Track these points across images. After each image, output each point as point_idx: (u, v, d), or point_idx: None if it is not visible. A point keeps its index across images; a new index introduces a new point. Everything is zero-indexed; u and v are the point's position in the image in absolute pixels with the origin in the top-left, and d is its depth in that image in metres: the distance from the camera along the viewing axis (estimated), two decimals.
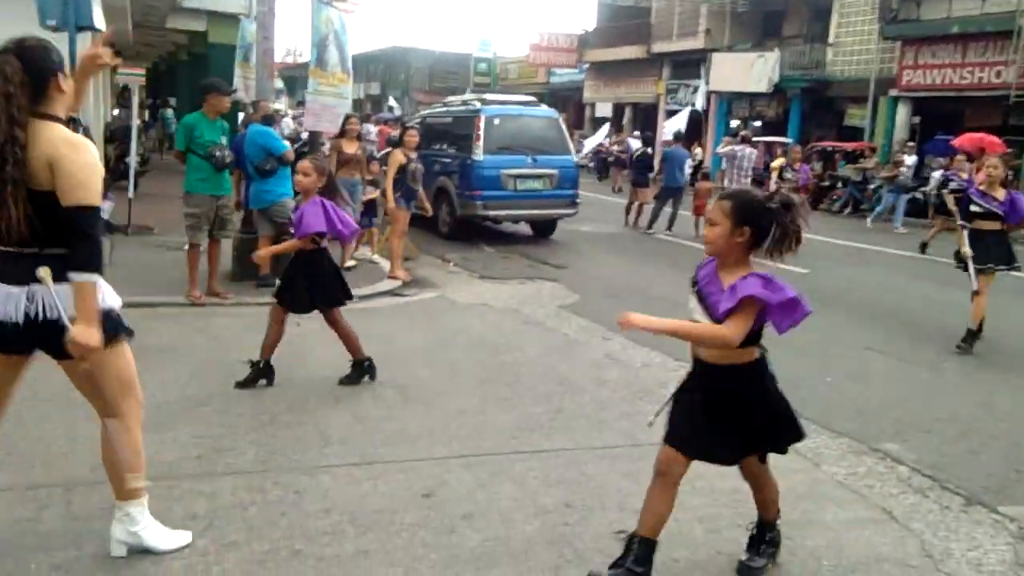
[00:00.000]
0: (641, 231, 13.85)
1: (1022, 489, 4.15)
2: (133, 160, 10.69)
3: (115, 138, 13.95)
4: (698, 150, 23.16)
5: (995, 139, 16.72)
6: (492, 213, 11.55)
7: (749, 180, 12.82)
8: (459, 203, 11.57)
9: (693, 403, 3.01)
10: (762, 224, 2.84)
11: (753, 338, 2.90)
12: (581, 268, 10.19)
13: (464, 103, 12.99)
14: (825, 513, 3.75)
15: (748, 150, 12.59)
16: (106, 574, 2.91)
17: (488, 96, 13.47)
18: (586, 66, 34.79)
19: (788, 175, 12.45)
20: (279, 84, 11.77)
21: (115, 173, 13.91)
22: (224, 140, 7.05)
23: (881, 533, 3.59)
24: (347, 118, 9.41)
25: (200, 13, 19.52)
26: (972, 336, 6.88)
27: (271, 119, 8.45)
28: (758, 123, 24.00)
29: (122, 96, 19.65)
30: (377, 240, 9.77)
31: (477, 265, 9.95)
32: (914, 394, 5.69)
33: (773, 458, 4.34)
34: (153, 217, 10.60)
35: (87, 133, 8.77)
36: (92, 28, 8.10)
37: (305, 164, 5.06)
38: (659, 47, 29.72)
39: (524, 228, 12.88)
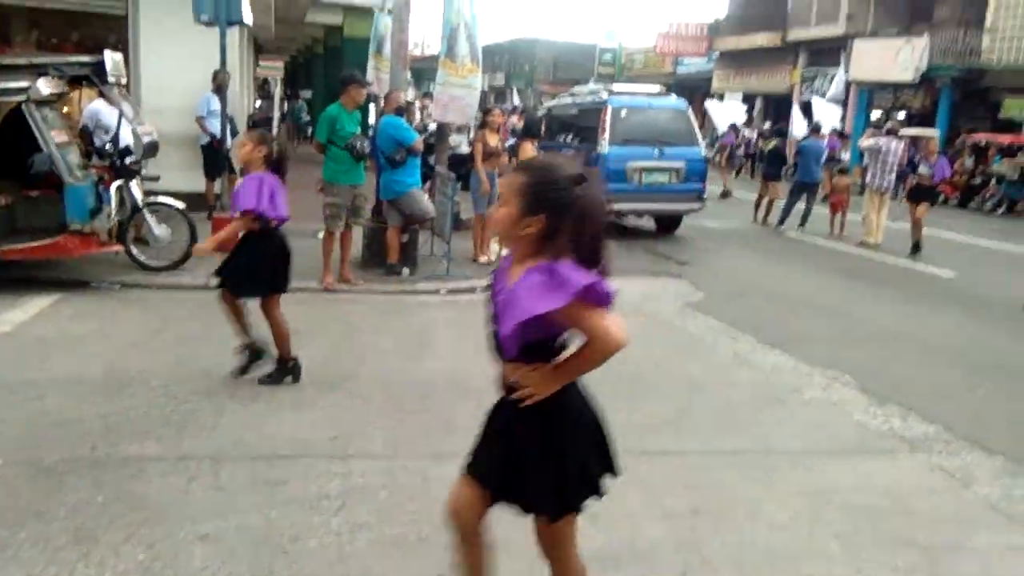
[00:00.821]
0: (771, 228, 13.32)
1: None
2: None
3: (256, 128, 14.72)
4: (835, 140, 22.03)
5: None
6: (617, 207, 11.40)
7: (894, 176, 12.02)
8: None
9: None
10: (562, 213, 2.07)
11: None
12: (707, 265, 9.91)
13: (591, 93, 12.86)
14: (976, 538, 3.47)
15: (894, 143, 11.77)
16: (249, 547, 3.06)
17: (616, 86, 13.27)
18: (715, 55, 33.78)
19: (922, 169, 11.41)
20: (408, 76, 12.10)
21: None
22: (359, 131, 7.27)
23: None
24: (489, 110, 9.50)
25: (336, 7, 20.28)
26: None
27: (403, 110, 8.66)
28: (902, 115, 22.58)
29: (262, 88, 20.70)
30: None
31: None
32: None
33: (913, 475, 4.08)
34: (290, 205, 11.08)
35: (232, 124, 9.28)
36: (241, 23, 8.58)
37: (243, 135, 4.72)
38: (795, 34, 28.44)
39: (647, 222, 12.65)
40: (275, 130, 11.38)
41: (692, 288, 8.44)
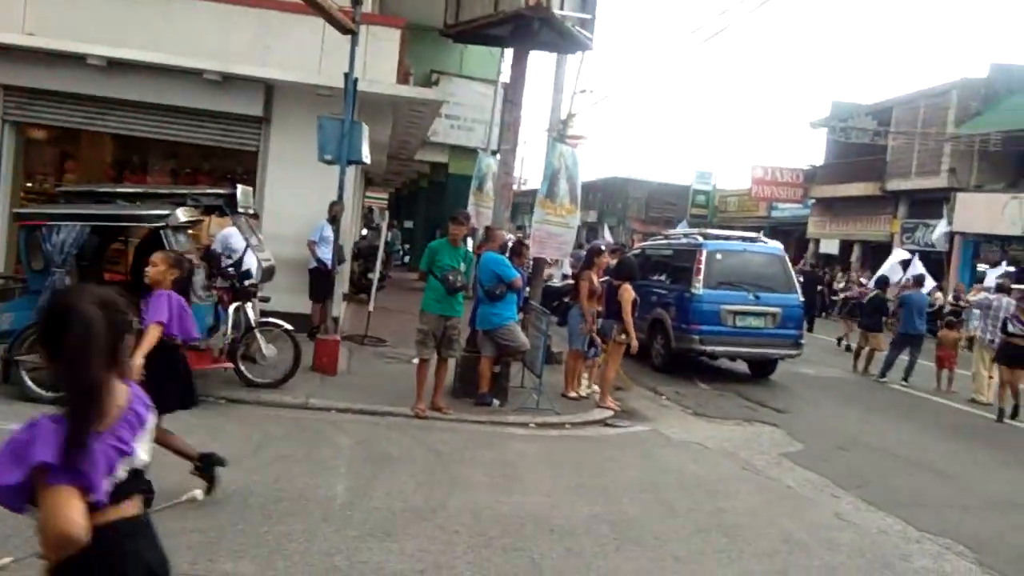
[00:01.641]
0: (872, 379, 12.82)
1: None
2: (376, 276, 11.74)
3: (361, 255, 15.49)
4: (938, 294, 21.35)
5: None
6: (709, 348, 11.28)
7: None
8: (675, 336, 11.43)
9: None
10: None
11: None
12: (804, 414, 9.57)
13: (686, 236, 13.05)
14: None
15: (1005, 300, 11.28)
16: None
17: (711, 231, 13.45)
18: (812, 201, 33.84)
19: (1012, 328, 10.39)
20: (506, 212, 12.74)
21: (357, 287, 15.38)
22: (463, 266, 7.58)
23: None
24: (600, 251, 9.66)
25: (443, 147, 21.63)
26: None
27: (505, 247, 8.98)
28: (1012, 268, 21.78)
29: (366, 218, 21.91)
30: (594, 369, 9.84)
31: (691, 401, 9.68)
32: None
33: None
34: (386, 330, 11.47)
35: (341, 251, 9.79)
36: (360, 162, 9.25)
37: (157, 255, 4.76)
38: (894, 184, 28.32)
39: (740, 366, 12.42)
40: (379, 259, 11.93)
41: (789, 438, 8.14)
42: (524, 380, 8.93)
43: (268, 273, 8.16)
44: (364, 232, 18.57)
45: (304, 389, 7.65)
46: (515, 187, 38.12)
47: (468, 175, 15.76)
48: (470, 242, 14.57)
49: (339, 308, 10.69)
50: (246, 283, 7.71)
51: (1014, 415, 10.07)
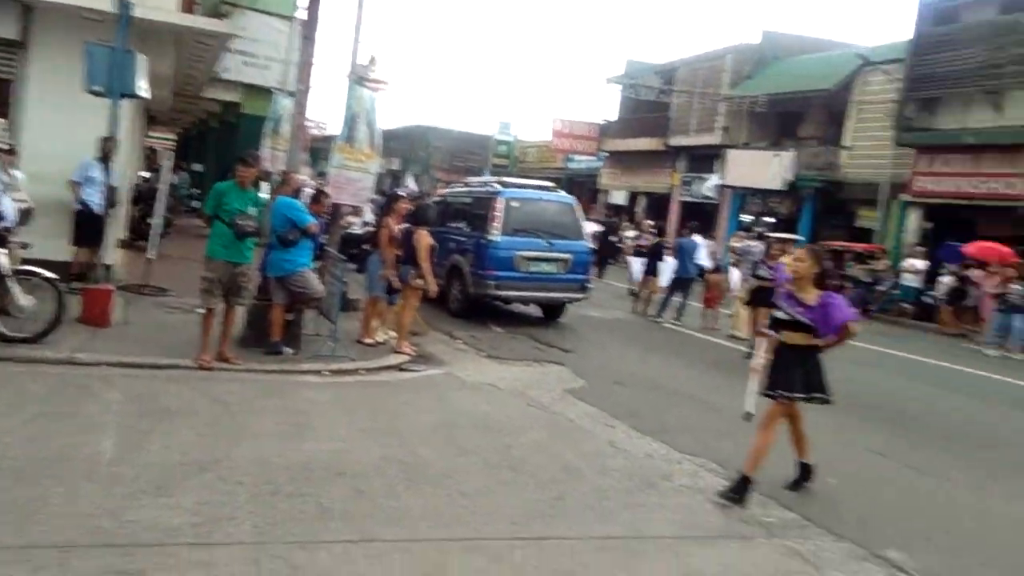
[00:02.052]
0: (650, 319, 13.91)
1: None
2: (157, 221, 10.91)
3: (142, 199, 14.28)
4: (711, 242, 23.40)
5: (1007, 249, 16.90)
6: (504, 293, 11.66)
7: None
8: (472, 281, 11.70)
9: None
10: None
11: None
12: (588, 353, 10.21)
13: (484, 184, 13.29)
14: None
15: (760, 246, 12.69)
16: None
17: (508, 179, 13.78)
18: (605, 154, 35.59)
19: (761, 272, 10.82)
20: (305, 156, 12.21)
21: (137, 233, 14.21)
22: (254, 210, 7.24)
23: None
24: (398, 197, 9.61)
25: (236, 85, 20.32)
26: None
27: (299, 192, 8.69)
28: (771, 219, 24.30)
29: (150, 159, 20.22)
30: (390, 315, 9.85)
31: (485, 344, 10.00)
32: (919, 500, 5.62)
33: (771, 559, 4.31)
34: (171, 279, 10.76)
35: (114, 194, 9.00)
36: (135, 96, 8.47)
37: None
38: (676, 140, 30.45)
39: (533, 310, 12.97)
40: (160, 201, 11.06)
41: (574, 375, 8.67)
42: (319, 328, 8.77)
43: (25, 216, 7.34)
44: (146, 174, 17.11)
45: (70, 343, 7.03)
46: (316, 132, 36.67)
47: (263, 116, 14.95)
48: (265, 186, 13.93)
49: (113, 255, 9.84)
50: None
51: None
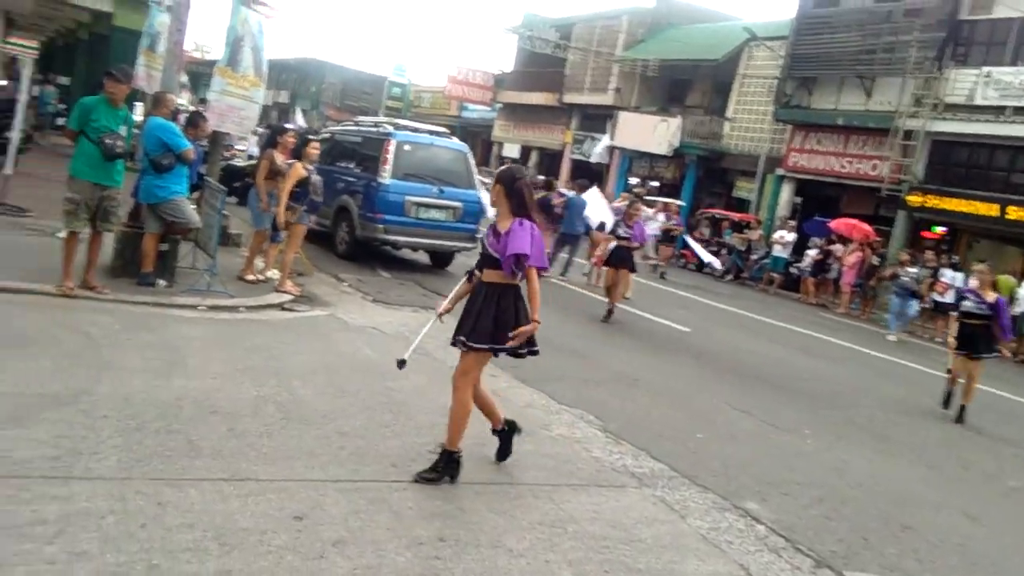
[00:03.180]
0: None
1: (868, 556, 4.45)
2: (15, 136, 10.00)
3: None
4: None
5: (867, 226, 18.12)
6: (392, 238, 11.47)
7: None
8: (360, 224, 11.43)
9: None
10: None
11: None
12: None
13: (376, 125, 12.93)
14: (687, 565, 3.89)
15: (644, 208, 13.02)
16: None
17: (401, 122, 13.47)
18: (499, 106, 35.39)
19: (620, 231, 11.06)
20: (184, 79, 11.41)
21: None
22: (124, 130, 6.74)
23: None
24: (284, 130, 9.25)
25: None
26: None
27: (176, 115, 8.16)
28: (656, 183, 24.99)
29: (9, 67, 18.46)
30: (273, 253, 9.51)
31: (371, 288, 9.84)
32: (776, 455, 6.01)
33: (639, 507, 4.51)
34: (31, 199, 9.94)
35: None
36: None
37: None
38: (570, 98, 30.64)
39: (421, 257, 12.85)
40: (18, 115, 10.12)
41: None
42: (196, 261, 8.36)
43: None
44: (3, 82, 15.60)
45: None
46: (197, 55, 34.33)
47: (137, 30, 13.93)
48: (140, 107, 13.01)
49: None
50: None
51: (607, 317, 10.58)
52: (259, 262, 9.07)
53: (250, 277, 8.62)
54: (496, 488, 4.38)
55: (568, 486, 4.63)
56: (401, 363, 4.57)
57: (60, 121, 21.63)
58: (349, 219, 11.63)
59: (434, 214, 11.66)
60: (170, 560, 3.05)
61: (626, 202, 13.31)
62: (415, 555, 3.45)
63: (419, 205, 11.47)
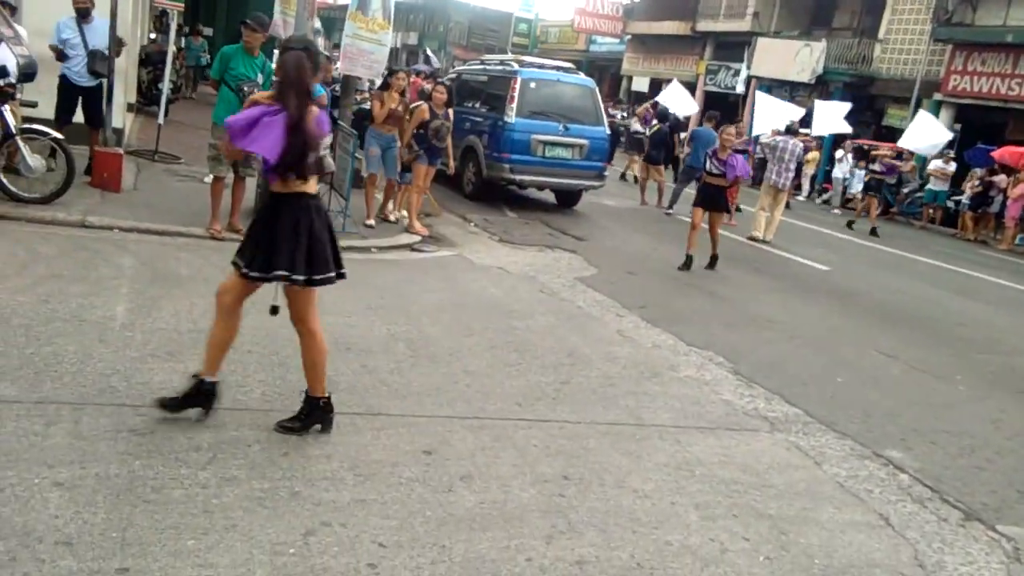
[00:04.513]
0: (663, 211, 13.69)
1: (1022, 510, 4.13)
2: (166, 87, 10.63)
3: (150, 62, 13.89)
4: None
5: None
6: (519, 178, 11.45)
7: (791, 174, 12.31)
8: (486, 164, 11.47)
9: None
10: None
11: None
12: (601, 242, 10.12)
13: (502, 63, 12.82)
14: (822, 513, 3.74)
15: (792, 142, 12.15)
16: (108, 495, 2.94)
17: (526, 58, 13.28)
18: (628, 37, 34.24)
19: (711, 167, 9.22)
20: (317, 24, 11.65)
21: (147, 98, 13.90)
22: (261, 77, 6.99)
23: (876, 539, 3.58)
24: (393, 72, 9.25)
25: None
26: None
27: (332, 83, 8.35)
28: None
29: (160, 21, 19.53)
30: (400, 195, 9.72)
31: (497, 228, 9.90)
32: (923, 403, 5.64)
33: (771, 452, 4.36)
34: (182, 146, 10.59)
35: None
36: None
37: None
38: (704, 25, 29.17)
39: (548, 196, 12.78)
40: (168, 67, 10.73)
41: (585, 263, 8.61)
42: (331, 204, 8.65)
43: (28, 73, 7.10)
44: (153, 36, 16.57)
45: (81, 206, 6.98)
46: (330, 0, 35.06)
47: None
48: (276, 54, 13.44)
49: (122, 119, 9.63)
50: (1, 82, 6.68)
51: (711, 264, 9.34)
52: (389, 205, 9.27)
53: (369, 222, 8.73)
54: (620, 428, 4.35)
55: (696, 428, 4.53)
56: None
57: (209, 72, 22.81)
58: (476, 159, 11.69)
59: (560, 152, 11.53)
60: (310, 488, 3.23)
61: (772, 138, 12.50)
62: (539, 492, 3.49)
63: (545, 143, 11.36)
